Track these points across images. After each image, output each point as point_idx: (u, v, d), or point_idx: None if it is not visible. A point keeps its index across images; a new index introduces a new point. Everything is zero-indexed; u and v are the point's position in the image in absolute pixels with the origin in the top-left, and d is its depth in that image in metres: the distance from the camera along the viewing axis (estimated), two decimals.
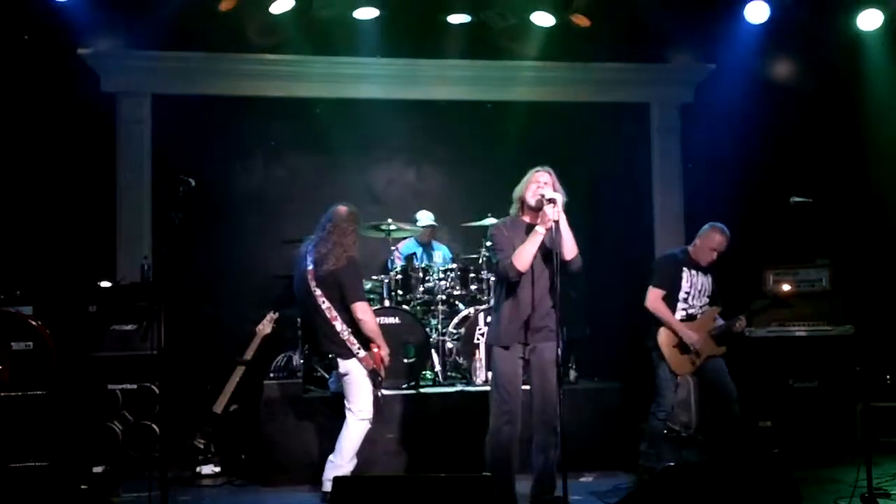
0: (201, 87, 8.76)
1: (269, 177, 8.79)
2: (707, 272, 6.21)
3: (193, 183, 5.55)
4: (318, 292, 5.65)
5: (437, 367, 7.33)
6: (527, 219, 5.30)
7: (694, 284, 6.16)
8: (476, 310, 7.40)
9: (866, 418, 6.67)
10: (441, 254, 8.17)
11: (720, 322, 6.24)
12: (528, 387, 5.33)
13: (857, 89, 8.37)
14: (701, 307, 6.20)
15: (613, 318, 8.15)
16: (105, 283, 7.29)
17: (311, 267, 5.71)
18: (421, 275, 7.55)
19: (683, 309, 6.14)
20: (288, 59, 8.68)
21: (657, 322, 6.10)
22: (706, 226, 6.26)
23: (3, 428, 5.81)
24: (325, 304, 5.63)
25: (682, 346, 6.08)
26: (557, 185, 5.22)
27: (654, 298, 6.12)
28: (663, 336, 6.07)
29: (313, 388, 7.10)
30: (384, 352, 5.71)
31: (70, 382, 6.47)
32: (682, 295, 6.14)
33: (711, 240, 6.16)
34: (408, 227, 7.89)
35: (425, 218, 8.24)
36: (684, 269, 6.16)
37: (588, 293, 7.65)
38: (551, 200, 5.05)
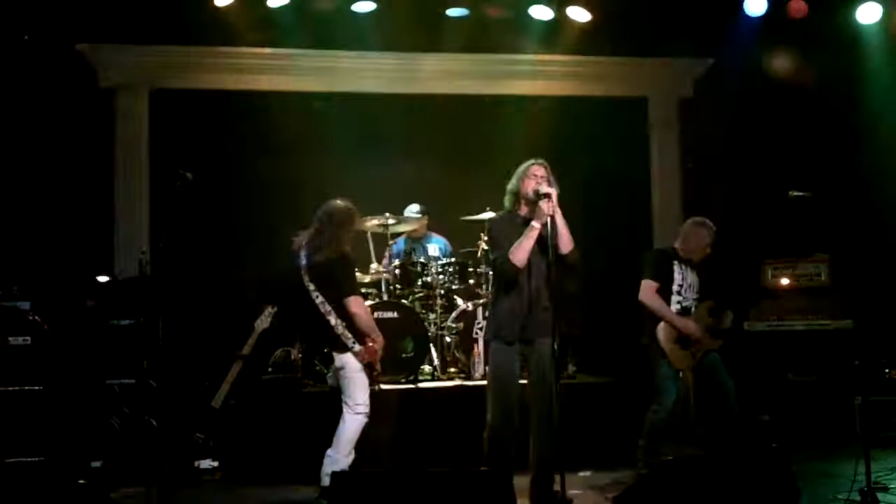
0: (199, 82, 8.74)
1: (266, 171, 8.75)
2: (695, 269, 6.18)
3: (191, 177, 5.55)
4: (312, 287, 5.64)
5: (436, 362, 7.34)
6: (523, 213, 5.29)
7: (685, 279, 6.13)
8: (474, 304, 7.40)
9: (865, 412, 6.66)
10: (437, 246, 8.14)
11: (713, 316, 6.21)
12: (525, 381, 5.32)
13: (855, 83, 8.37)
14: (694, 300, 6.17)
15: (611, 312, 8.13)
16: (103, 278, 7.29)
17: (304, 262, 5.70)
18: (419, 269, 7.54)
19: (678, 302, 6.10)
20: (285, 53, 8.68)
21: (653, 319, 6.05)
22: (688, 224, 6.20)
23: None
24: (319, 299, 5.62)
25: (682, 341, 6.04)
26: (551, 179, 5.22)
27: (648, 291, 6.04)
28: (662, 332, 6.01)
29: (311, 382, 7.09)
30: (379, 345, 5.70)
31: (68, 377, 6.47)
32: (675, 288, 6.10)
33: (702, 236, 6.13)
34: (404, 219, 7.87)
35: (409, 211, 8.19)
36: (675, 262, 6.14)
37: (586, 288, 7.63)
38: (546, 195, 5.04)
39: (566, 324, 6.08)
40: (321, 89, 8.90)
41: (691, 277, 6.16)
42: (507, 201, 5.41)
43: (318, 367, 7.21)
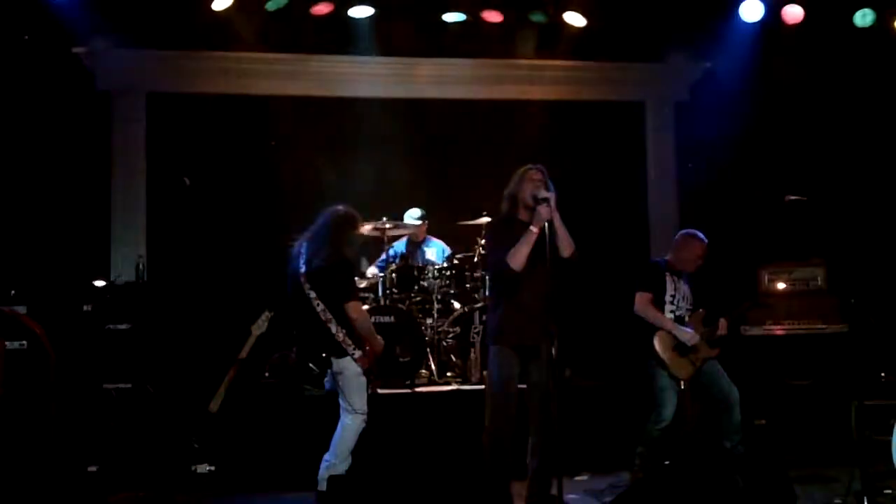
0: (196, 85, 8.75)
1: (263, 175, 8.76)
2: (688, 280, 6.19)
3: (188, 181, 5.55)
4: (313, 295, 5.62)
5: (433, 366, 7.33)
6: (522, 217, 5.29)
7: (678, 289, 6.13)
8: (471, 308, 7.40)
9: (861, 417, 6.68)
10: (435, 251, 8.15)
11: (707, 325, 6.20)
12: (523, 386, 5.33)
13: (851, 87, 8.39)
14: (687, 310, 6.17)
15: (608, 316, 8.13)
16: (100, 283, 7.29)
17: (303, 269, 5.69)
18: (416, 273, 7.55)
19: (671, 311, 6.09)
20: (283, 58, 8.69)
21: (649, 330, 6.05)
22: (680, 235, 6.23)
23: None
24: (320, 307, 5.60)
25: (679, 349, 6.03)
26: (549, 183, 5.23)
27: (642, 302, 6.05)
28: (659, 342, 6.00)
29: (308, 386, 7.08)
30: (378, 348, 5.70)
31: (65, 382, 6.46)
32: (667, 298, 6.11)
33: (694, 247, 6.14)
34: (402, 225, 7.88)
35: (409, 216, 8.20)
36: (667, 273, 6.15)
37: (582, 291, 7.64)
38: (545, 199, 5.05)
39: (563, 327, 6.09)
40: (318, 93, 8.90)
41: (684, 288, 6.16)
42: (504, 206, 5.41)
43: (315, 372, 7.20)
